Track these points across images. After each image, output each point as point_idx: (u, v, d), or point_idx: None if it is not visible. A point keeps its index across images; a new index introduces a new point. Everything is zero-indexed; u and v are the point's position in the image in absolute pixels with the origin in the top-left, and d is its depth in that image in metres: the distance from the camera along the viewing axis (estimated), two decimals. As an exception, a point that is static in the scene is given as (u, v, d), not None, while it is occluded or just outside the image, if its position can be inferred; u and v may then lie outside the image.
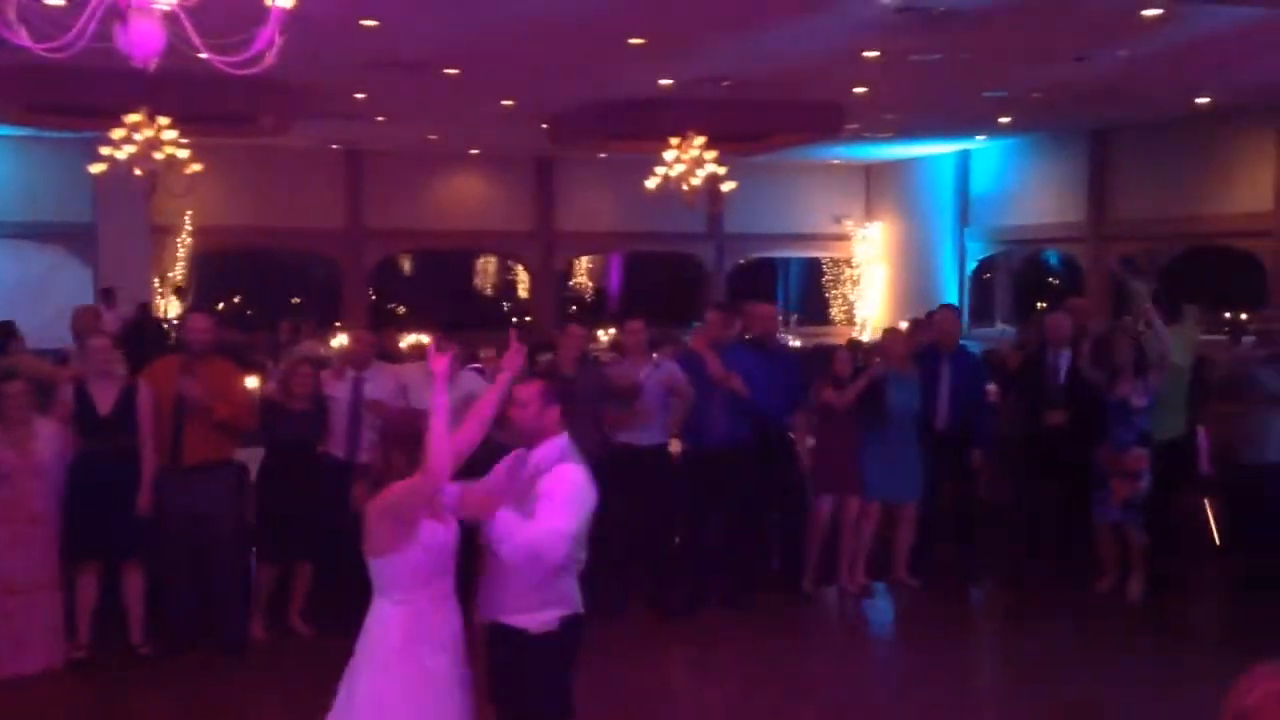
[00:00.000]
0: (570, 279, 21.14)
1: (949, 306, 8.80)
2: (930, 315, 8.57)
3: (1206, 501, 8.37)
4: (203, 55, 4.57)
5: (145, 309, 13.21)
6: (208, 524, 6.27)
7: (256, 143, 14.12)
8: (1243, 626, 7.01)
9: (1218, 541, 8.28)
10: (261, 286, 19.67)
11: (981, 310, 16.60)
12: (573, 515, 3.59)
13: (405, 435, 3.62)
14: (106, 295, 13.61)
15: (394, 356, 8.77)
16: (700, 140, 12.10)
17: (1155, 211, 13.21)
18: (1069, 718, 5.60)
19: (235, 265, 19.21)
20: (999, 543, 8.31)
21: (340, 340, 11.63)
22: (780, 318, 7.66)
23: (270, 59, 4.71)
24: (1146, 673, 6.25)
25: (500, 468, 3.84)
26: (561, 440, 3.75)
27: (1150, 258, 14.89)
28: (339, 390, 6.66)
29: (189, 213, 14.96)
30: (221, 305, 18.75)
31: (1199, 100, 11.56)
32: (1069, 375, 7.85)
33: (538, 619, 3.65)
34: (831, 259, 18.82)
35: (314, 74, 9.89)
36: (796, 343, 15.94)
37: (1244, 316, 14.45)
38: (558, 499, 3.58)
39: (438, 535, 3.56)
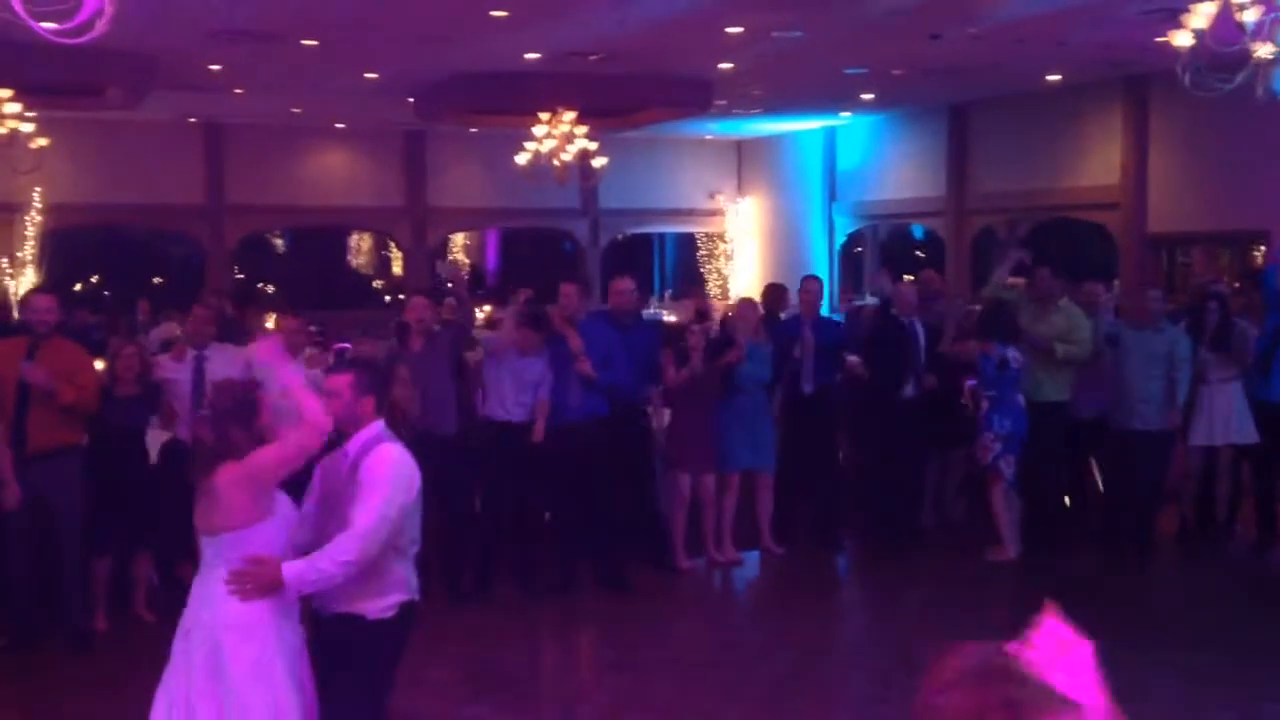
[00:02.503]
0: (447, 255, 20.89)
1: (814, 277, 9.01)
2: (800, 284, 8.74)
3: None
4: (24, 22, 4.36)
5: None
6: (51, 512, 6.04)
7: (110, 116, 13.53)
8: (1096, 578, 7.36)
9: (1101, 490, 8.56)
10: (119, 266, 18.95)
11: (851, 283, 16.97)
12: (390, 494, 3.58)
13: (239, 408, 3.58)
14: None
15: (256, 335, 8.55)
16: (570, 115, 12.03)
17: (1012, 185, 13.64)
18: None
19: (91, 244, 18.46)
20: (861, 506, 8.56)
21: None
22: (637, 293, 7.77)
23: (101, 27, 4.51)
24: (1002, 629, 6.51)
25: (317, 472, 3.82)
26: (376, 426, 3.74)
27: (1010, 230, 15.43)
28: (180, 372, 6.47)
29: (38, 189, 14.27)
30: (79, 286, 18.02)
31: (1050, 77, 11.96)
32: (928, 346, 8.13)
33: (377, 605, 3.64)
34: (705, 234, 18.98)
35: (162, 44, 9.52)
36: (672, 317, 16.07)
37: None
38: (372, 481, 3.58)
39: (286, 505, 3.60)
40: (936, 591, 7.21)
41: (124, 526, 6.28)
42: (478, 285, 20.26)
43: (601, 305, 9.45)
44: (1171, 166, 11.94)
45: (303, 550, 3.63)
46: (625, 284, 7.68)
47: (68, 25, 4.54)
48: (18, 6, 4.35)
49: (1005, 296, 8.09)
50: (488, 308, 15.55)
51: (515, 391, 7.06)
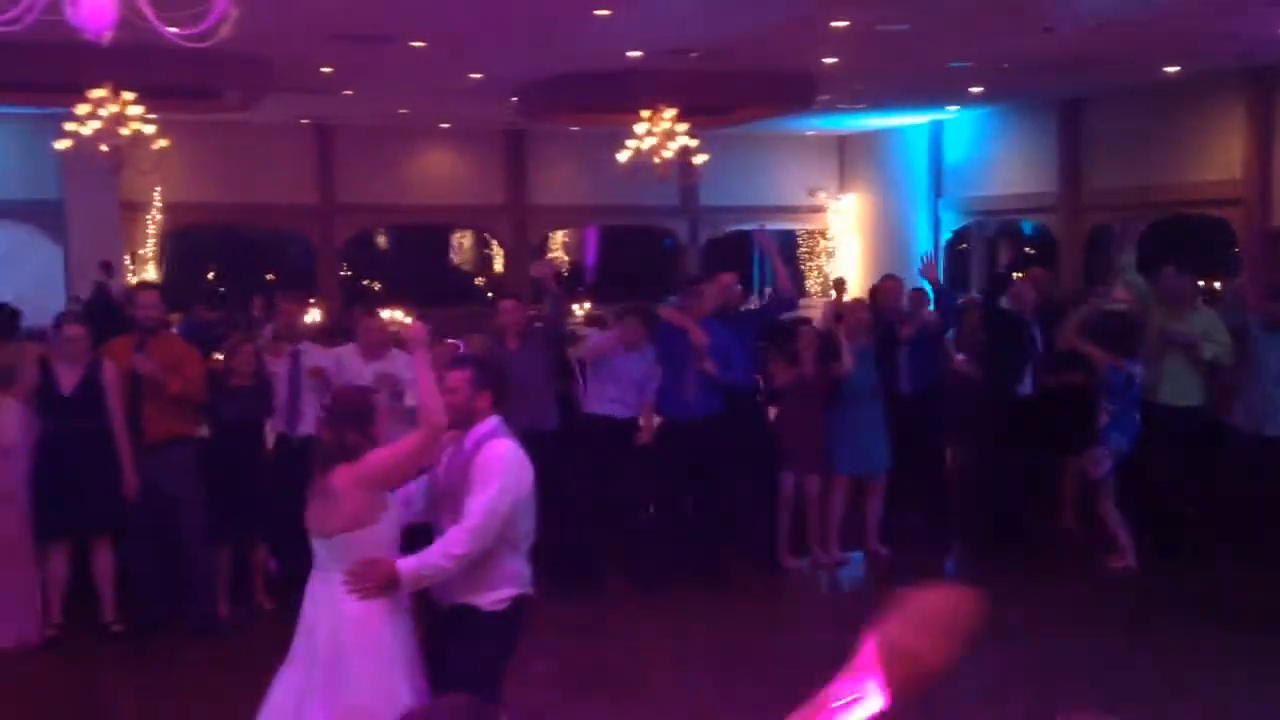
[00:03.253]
0: (546, 253, 21.09)
1: (890, 276, 8.87)
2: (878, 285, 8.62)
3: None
4: (156, 28, 4.52)
5: (100, 287, 13.05)
6: (171, 501, 6.26)
7: (226, 118, 13.97)
8: (1219, 591, 7.09)
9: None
10: (235, 263, 19.55)
11: (957, 280, 16.66)
12: (501, 488, 3.62)
13: (356, 411, 3.66)
14: (106, 268, 13.48)
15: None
16: (671, 113, 12.03)
17: (1127, 180, 13.24)
18: (1044, 680, 5.66)
19: (208, 241, 19.09)
20: (969, 509, 8.38)
21: (312, 316, 11.57)
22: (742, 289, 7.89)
23: (226, 31, 4.66)
24: (1119, 636, 6.32)
25: (441, 469, 3.87)
26: (491, 422, 3.78)
27: (1125, 227, 14.96)
28: (278, 365, 6.65)
29: (158, 189, 14.81)
30: (197, 282, 18.65)
31: (1168, 69, 11.57)
32: (1048, 343, 7.91)
33: (489, 598, 3.69)
34: (806, 231, 18.81)
35: (279, 47, 9.78)
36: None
37: (1217, 285, 14.57)
38: (486, 475, 3.62)
39: (397, 506, 3.68)
40: (1049, 598, 7.02)
41: (241, 516, 6.46)
42: (577, 282, 20.42)
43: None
44: (1298, 160, 11.45)
45: (408, 528, 3.71)
46: (726, 278, 7.71)
47: (195, 30, 4.70)
48: (149, 12, 4.52)
49: (1139, 288, 7.75)
50: (587, 304, 15.69)
51: (618, 388, 7.08)
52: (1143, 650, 6.07)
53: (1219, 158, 12.17)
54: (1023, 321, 7.86)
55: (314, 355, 6.75)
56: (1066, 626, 6.44)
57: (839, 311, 8.36)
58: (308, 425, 6.45)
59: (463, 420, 3.77)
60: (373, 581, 3.51)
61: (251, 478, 6.48)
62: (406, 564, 3.54)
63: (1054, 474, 8.32)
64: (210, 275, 19.53)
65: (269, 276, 19.10)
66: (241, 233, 18.86)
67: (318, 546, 3.62)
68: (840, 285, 16.43)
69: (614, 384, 7.08)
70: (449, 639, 3.73)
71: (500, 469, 3.65)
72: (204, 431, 6.60)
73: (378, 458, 3.59)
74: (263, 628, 6.38)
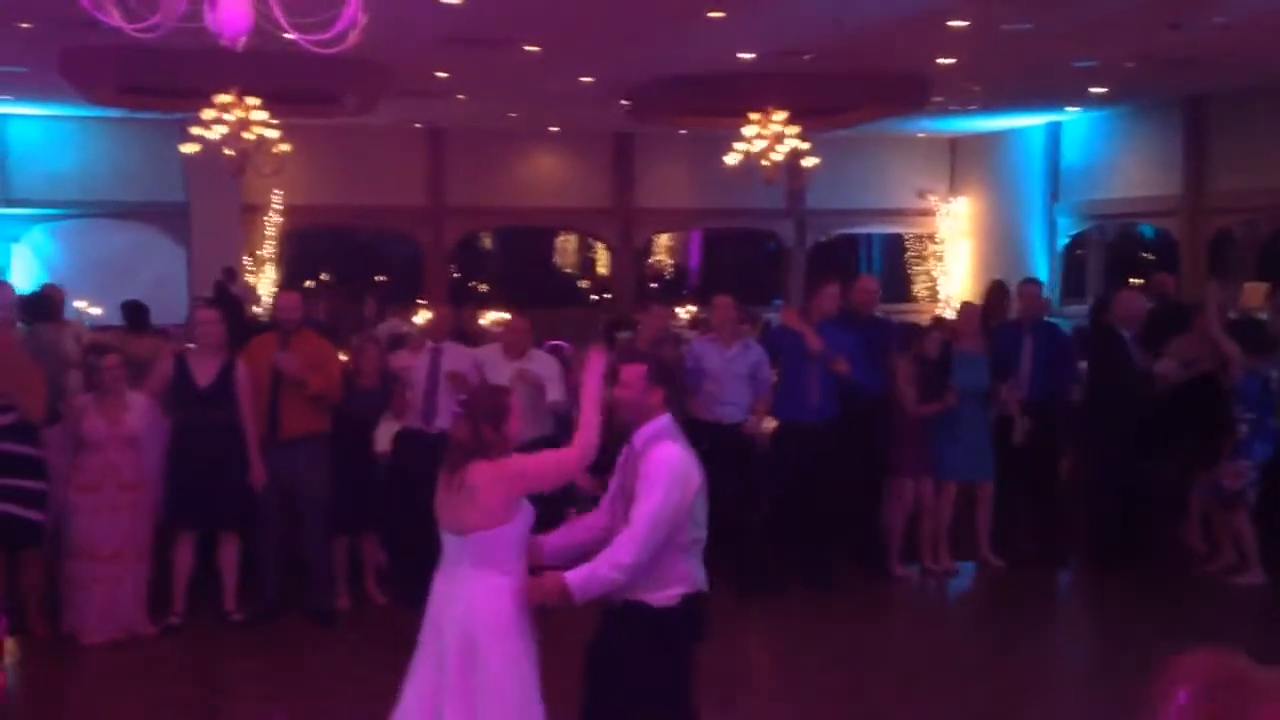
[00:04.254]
0: (650, 256, 21.12)
1: (1033, 280, 8.65)
2: (1017, 288, 8.38)
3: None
4: (288, 34, 4.64)
5: (221, 287, 13.50)
6: (302, 495, 6.44)
7: (342, 122, 14.30)
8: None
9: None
10: (348, 264, 20.01)
11: (1073, 287, 16.19)
12: (666, 495, 3.58)
13: (492, 410, 3.69)
14: (229, 274, 13.98)
15: (471, 335, 8.86)
16: (781, 115, 11.95)
17: (1254, 183, 12.71)
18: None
19: (322, 243, 19.58)
20: (1084, 522, 8.13)
21: (422, 317, 11.78)
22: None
23: (354, 38, 4.77)
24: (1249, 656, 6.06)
25: (616, 469, 3.87)
26: (663, 420, 3.75)
27: (1249, 231, 14.37)
28: (418, 362, 6.78)
29: (278, 192, 15.24)
30: (309, 283, 19.15)
31: (1301, 67, 11.10)
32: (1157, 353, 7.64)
33: (659, 595, 3.66)
34: (915, 235, 18.51)
35: (397, 53, 9.99)
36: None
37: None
38: (650, 481, 3.60)
39: (529, 508, 3.69)
40: (1167, 613, 6.78)
41: (358, 511, 6.62)
42: (681, 285, 20.40)
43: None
44: None
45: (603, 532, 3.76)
46: (871, 283, 7.66)
47: (324, 35, 4.81)
48: (282, 19, 4.64)
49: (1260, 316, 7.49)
50: (692, 307, 15.66)
51: (723, 390, 7.01)
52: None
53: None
54: (1119, 338, 7.58)
55: (455, 355, 6.86)
56: (1184, 641, 6.18)
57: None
58: (443, 421, 6.59)
59: (634, 415, 3.76)
60: (543, 596, 3.54)
61: (368, 473, 6.65)
62: (575, 576, 3.54)
63: (1181, 487, 8.02)
64: (324, 276, 20.01)
65: (379, 278, 19.50)
66: (352, 234, 19.30)
67: (449, 542, 3.64)
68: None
69: (719, 387, 7.01)
70: (618, 637, 3.72)
71: (666, 474, 3.61)
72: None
73: (530, 464, 3.64)
74: (376, 620, 6.53)
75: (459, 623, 3.54)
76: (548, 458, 3.73)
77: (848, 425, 7.10)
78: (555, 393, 6.65)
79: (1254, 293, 11.73)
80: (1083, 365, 7.98)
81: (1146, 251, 17.79)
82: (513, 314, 7.18)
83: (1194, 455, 7.60)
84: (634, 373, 3.77)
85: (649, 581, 3.64)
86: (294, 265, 16.70)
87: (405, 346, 7.27)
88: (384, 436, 6.99)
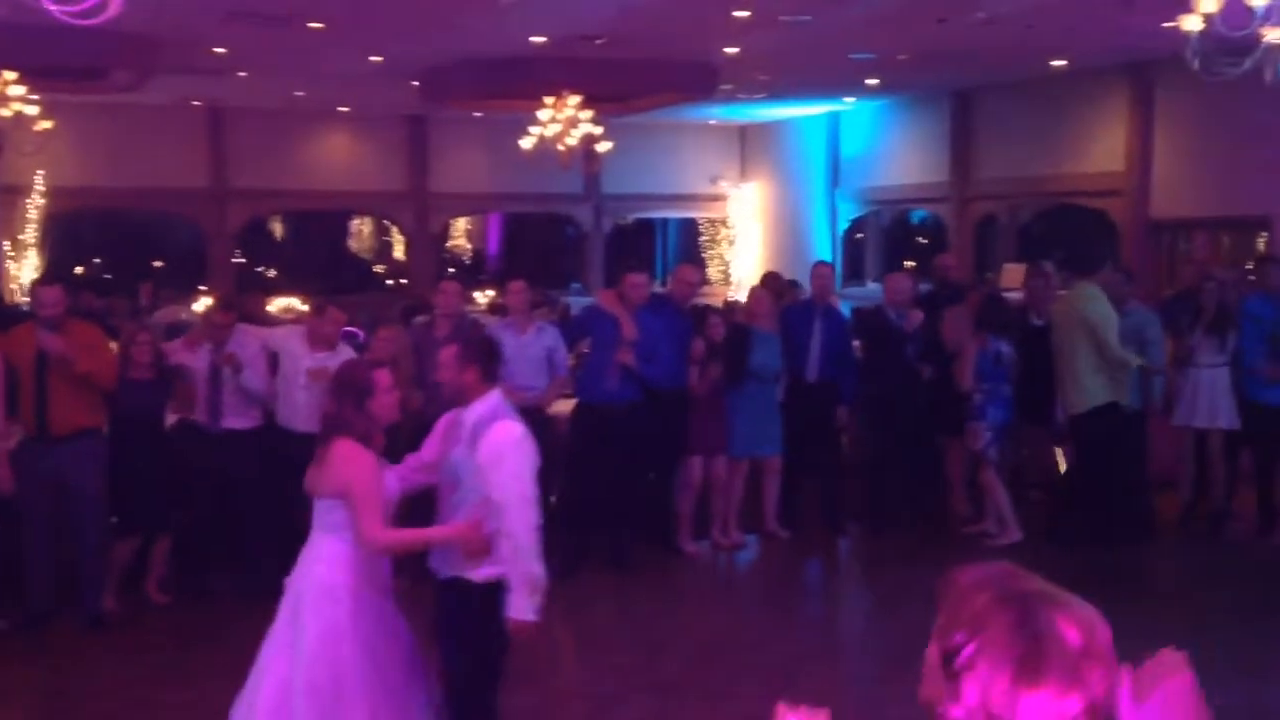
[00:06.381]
0: (448, 240, 20.88)
1: (825, 262, 9.06)
2: (812, 270, 8.73)
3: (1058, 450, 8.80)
4: (39, 5, 4.38)
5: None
6: (73, 495, 6.08)
7: (112, 99, 13.50)
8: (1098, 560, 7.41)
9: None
10: (121, 249, 18.93)
11: (853, 269, 16.98)
12: (527, 478, 3.79)
13: (353, 387, 3.80)
14: None
15: (260, 320, 8.58)
16: (575, 100, 12.02)
17: (1015, 171, 13.64)
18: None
19: (93, 227, 18.45)
20: (863, 493, 8.59)
21: (202, 304, 11.29)
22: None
23: (113, 9, 4.54)
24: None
25: (435, 432, 4.01)
26: (493, 397, 3.89)
27: (1011, 215, 15.43)
28: (196, 360, 6.49)
29: (40, 172, 14.25)
30: (80, 269, 18.02)
31: (1055, 63, 11.96)
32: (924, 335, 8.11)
33: (482, 572, 3.83)
34: (708, 219, 18.99)
35: (169, 27, 9.49)
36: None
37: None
38: (508, 470, 3.74)
39: (389, 486, 3.81)
40: (938, 574, 7.23)
41: (146, 510, 6.32)
42: (480, 270, 20.27)
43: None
44: (1175, 153, 11.94)
45: (412, 492, 3.97)
46: (693, 275, 7.79)
47: (80, 7, 4.56)
48: (33, -13, 4.37)
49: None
50: (490, 292, 15.60)
51: (520, 374, 7.03)
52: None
53: (1102, 150, 12.63)
54: (887, 319, 8.07)
55: (243, 337, 6.59)
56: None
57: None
58: (232, 421, 6.38)
59: (455, 394, 3.92)
60: (471, 545, 3.72)
61: (152, 471, 6.33)
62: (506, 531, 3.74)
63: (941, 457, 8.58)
64: (95, 261, 18.87)
65: (156, 264, 18.54)
66: (127, 217, 18.26)
67: (314, 506, 3.81)
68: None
69: (517, 371, 7.03)
70: (448, 610, 3.90)
71: (514, 449, 3.78)
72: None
73: (357, 485, 3.68)
74: (155, 620, 6.27)
75: (295, 578, 3.73)
76: (369, 498, 3.69)
77: (650, 409, 7.23)
78: None
79: (1013, 274, 12.64)
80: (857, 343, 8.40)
81: (920, 236, 18.84)
82: (325, 305, 6.88)
83: (947, 426, 8.15)
84: (447, 354, 3.95)
85: (475, 557, 3.81)
86: (60, 250, 15.66)
87: (179, 340, 6.91)
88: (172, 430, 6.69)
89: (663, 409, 7.38)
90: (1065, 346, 7.63)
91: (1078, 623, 1.38)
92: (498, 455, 3.72)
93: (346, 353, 6.59)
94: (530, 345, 7.04)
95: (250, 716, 3.66)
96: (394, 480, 3.84)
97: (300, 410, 6.35)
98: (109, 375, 6.12)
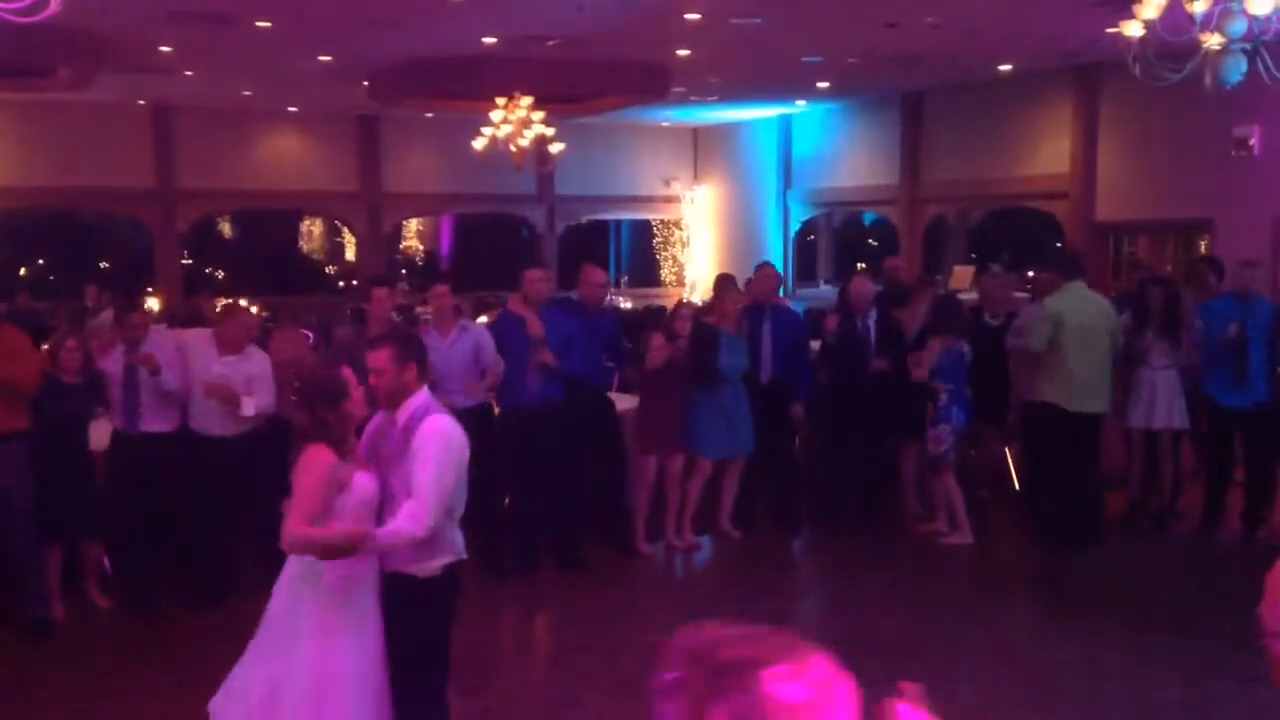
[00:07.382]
0: (400, 242, 20.74)
1: (768, 263, 9.10)
2: (755, 270, 8.78)
3: (1006, 450, 8.92)
4: (-23, 0, 4.28)
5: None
6: (1, 502, 5.95)
7: (56, 98, 13.27)
8: (1047, 560, 7.52)
9: (1017, 486, 8.84)
10: (66, 250, 18.61)
11: (805, 270, 17.10)
12: (443, 463, 3.73)
13: (327, 391, 3.78)
14: None
15: (208, 321, 8.46)
16: (527, 101, 12.00)
17: (964, 173, 13.81)
18: (883, 652, 5.89)
19: (38, 228, 18.12)
20: (816, 492, 8.65)
21: (151, 305, 11.13)
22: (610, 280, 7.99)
23: (54, 7, 4.46)
24: (961, 609, 6.62)
25: (365, 435, 3.97)
26: (422, 395, 3.87)
27: (960, 217, 15.62)
28: (109, 363, 6.39)
29: (-19, 172, 13.99)
30: (24, 270, 17.70)
31: (1002, 66, 12.13)
32: (881, 331, 8.21)
33: (425, 566, 3.82)
34: (661, 221, 19.03)
35: (114, 25, 9.35)
36: (627, 304, 16.10)
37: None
38: (427, 452, 3.72)
39: (365, 486, 3.80)
40: (892, 574, 7.32)
41: (72, 514, 6.21)
42: (431, 271, 20.14)
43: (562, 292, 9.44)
44: (1119, 156, 12.15)
45: None
46: (599, 276, 7.73)
47: (20, 4, 4.47)
48: (-31, -17, 4.28)
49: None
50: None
51: (448, 377, 6.95)
52: (971, 619, 6.38)
53: (1048, 153, 12.82)
54: (852, 318, 8.14)
55: (157, 340, 6.49)
56: (906, 603, 6.71)
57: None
58: (150, 424, 6.27)
59: (391, 399, 3.84)
60: (348, 539, 3.64)
61: (79, 473, 6.24)
62: (383, 533, 3.68)
63: (896, 458, 8.66)
64: (40, 263, 18.54)
65: (102, 264, 18.26)
66: (72, 218, 17.96)
67: None
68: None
69: (447, 374, 6.93)
70: (391, 604, 3.86)
71: (443, 443, 3.75)
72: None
73: (303, 487, 3.68)
74: (99, 625, 6.16)
75: (284, 578, 3.79)
76: (302, 495, 3.68)
77: (574, 405, 7.23)
78: (264, 397, 6.38)
79: (962, 275, 12.80)
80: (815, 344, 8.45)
81: (871, 238, 19.02)
82: (234, 308, 6.83)
83: (903, 427, 8.22)
84: (382, 357, 3.82)
85: (419, 552, 3.79)
86: (2, 252, 15.36)
87: (96, 343, 6.77)
88: (103, 435, 6.57)
89: (589, 402, 7.40)
90: (1098, 346, 7.62)
91: (791, 679, 1.40)
92: (431, 446, 3.74)
93: (255, 356, 6.51)
94: (455, 346, 7.00)
95: (247, 714, 3.69)
96: (370, 481, 3.81)
97: (212, 414, 6.34)
98: (29, 380, 6.00)
